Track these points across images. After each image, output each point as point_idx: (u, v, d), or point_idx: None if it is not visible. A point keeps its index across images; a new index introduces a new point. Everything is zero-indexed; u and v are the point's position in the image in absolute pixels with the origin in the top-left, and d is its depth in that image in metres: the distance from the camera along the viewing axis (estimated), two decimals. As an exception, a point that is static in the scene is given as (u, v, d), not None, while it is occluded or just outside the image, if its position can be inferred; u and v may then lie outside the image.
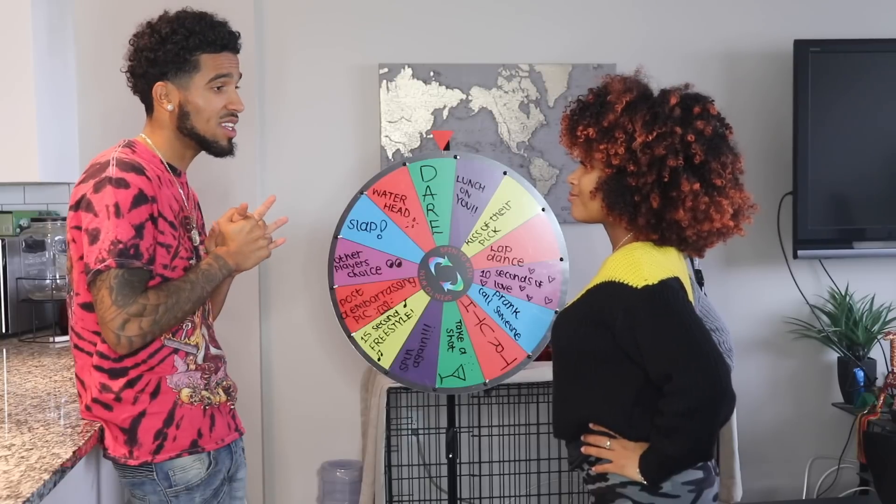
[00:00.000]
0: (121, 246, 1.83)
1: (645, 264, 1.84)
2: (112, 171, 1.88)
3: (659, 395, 1.82)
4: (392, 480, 3.54)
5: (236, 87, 2.07)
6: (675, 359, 1.78)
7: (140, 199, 1.87)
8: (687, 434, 1.79)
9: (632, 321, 1.81)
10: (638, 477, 1.83)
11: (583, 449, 1.91)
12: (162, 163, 2.02)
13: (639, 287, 1.81)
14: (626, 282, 1.83)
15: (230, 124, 2.06)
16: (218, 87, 2.02)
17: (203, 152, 2.09)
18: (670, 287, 1.82)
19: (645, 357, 1.81)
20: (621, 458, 1.85)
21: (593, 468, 1.90)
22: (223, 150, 2.07)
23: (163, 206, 1.93)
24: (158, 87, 1.99)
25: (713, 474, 1.89)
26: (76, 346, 1.99)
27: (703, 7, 3.79)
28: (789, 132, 3.63)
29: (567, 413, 1.97)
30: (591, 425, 1.90)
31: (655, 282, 1.81)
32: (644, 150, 1.84)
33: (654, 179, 1.84)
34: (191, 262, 2.01)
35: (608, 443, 1.87)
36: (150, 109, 2.05)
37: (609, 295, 1.85)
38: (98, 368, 1.94)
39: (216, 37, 2.01)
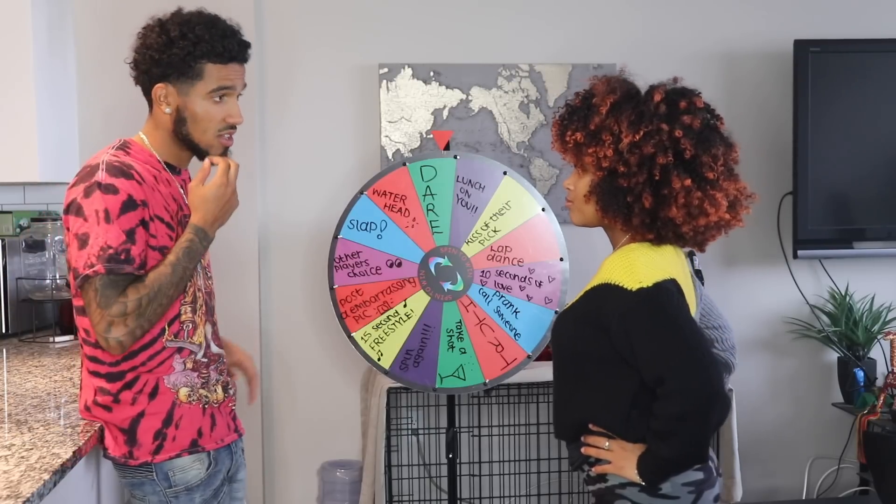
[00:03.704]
0: (111, 251, 1.82)
1: (640, 266, 1.84)
2: (101, 176, 1.86)
3: (656, 397, 1.82)
4: (392, 480, 3.54)
5: (239, 95, 2.03)
6: (667, 362, 1.78)
7: (129, 204, 1.85)
8: (681, 437, 1.79)
9: (626, 324, 1.81)
10: (636, 478, 1.83)
11: (582, 450, 1.91)
12: (159, 161, 2.00)
13: (633, 289, 1.80)
14: (621, 284, 1.82)
15: (227, 135, 2.01)
16: (219, 98, 1.98)
17: None
18: (665, 289, 1.82)
19: (639, 360, 1.81)
20: (620, 460, 1.85)
21: (593, 469, 1.90)
22: None
23: (157, 208, 1.91)
24: (158, 89, 1.96)
25: (714, 475, 1.89)
26: (82, 344, 1.99)
27: (702, 7, 3.78)
28: (789, 132, 3.62)
29: (567, 414, 1.97)
30: (590, 426, 1.90)
31: (650, 284, 1.81)
32: (632, 150, 1.83)
33: (645, 178, 1.83)
34: None
35: (607, 444, 1.87)
36: (150, 105, 2.02)
37: (605, 297, 1.85)
38: (95, 374, 1.94)
39: (224, 48, 1.96)
